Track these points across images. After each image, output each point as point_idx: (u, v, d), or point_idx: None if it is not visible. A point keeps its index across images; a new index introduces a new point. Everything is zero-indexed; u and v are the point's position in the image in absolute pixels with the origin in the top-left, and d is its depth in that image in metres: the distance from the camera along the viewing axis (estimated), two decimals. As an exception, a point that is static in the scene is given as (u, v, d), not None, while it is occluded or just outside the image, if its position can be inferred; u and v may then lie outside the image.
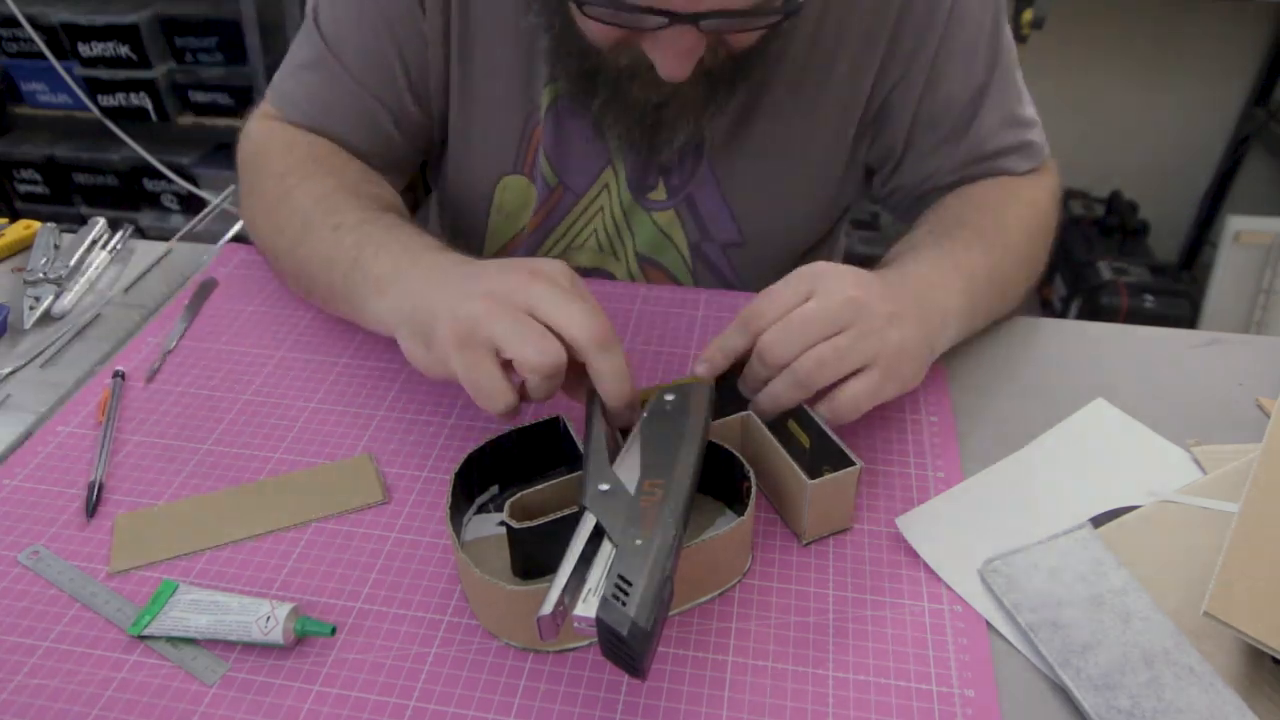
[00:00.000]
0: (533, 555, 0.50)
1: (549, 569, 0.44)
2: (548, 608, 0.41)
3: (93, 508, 0.55)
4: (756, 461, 0.54)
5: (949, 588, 0.51)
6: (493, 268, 0.53)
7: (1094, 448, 0.59)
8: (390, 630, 0.49)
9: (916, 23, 0.69)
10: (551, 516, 0.48)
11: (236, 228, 0.81)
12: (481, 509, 0.55)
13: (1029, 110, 0.76)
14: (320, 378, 0.66)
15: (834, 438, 0.53)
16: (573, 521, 0.45)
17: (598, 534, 0.44)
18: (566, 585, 0.42)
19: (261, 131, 0.74)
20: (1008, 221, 0.69)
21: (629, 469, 0.47)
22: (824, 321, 0.52)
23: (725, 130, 0.73)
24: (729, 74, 0.64)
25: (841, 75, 0.71)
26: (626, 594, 0.40)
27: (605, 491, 0.46)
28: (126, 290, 0.76)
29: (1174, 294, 1.86)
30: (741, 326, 0.54)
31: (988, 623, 0.49)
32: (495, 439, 0.54)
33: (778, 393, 0.53)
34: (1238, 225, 1.84)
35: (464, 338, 0.50)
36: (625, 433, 0.51)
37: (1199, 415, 0.62)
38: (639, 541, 0.43)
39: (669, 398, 0.51)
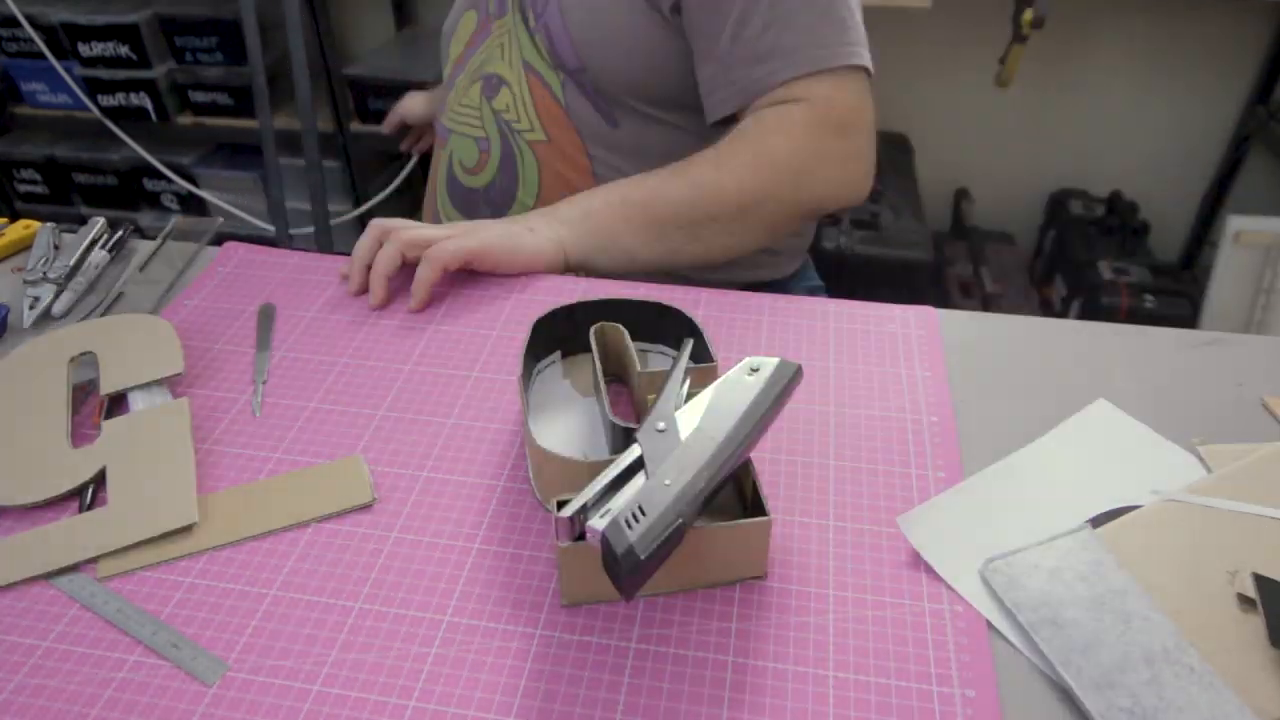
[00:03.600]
0: None
1: None
2: (568, 512, 0.46)
3: (87, 509, 0.55)
4: None
5: (949, 588, 0.51)
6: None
7: (1095, 448, 0.59)
8: (390, 630, 0.49)
9: None
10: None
11: (218, 225, 0.87)
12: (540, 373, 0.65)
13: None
14: (320, 378, 0.66)
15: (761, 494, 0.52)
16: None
17: (638, 465, 0.48)
18: (592, 499, 0.47)
19: None
20: (724, 179, 0.78)
21: (689, 418, 0.50)
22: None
23: None
24: None
25: None
26: (637, 522, 0.44)
27: (660, 430, 0.49)
28: (118, 299, 0.75)
29: (1174, 294, 1.86)
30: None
31: (988, 622, 0.49)
32: (562, 308, 0.64)
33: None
34: (1238, 225, 1.84)
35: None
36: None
37: (1199, 415, 0.62)
38: (668, 482, 0.46)
39: (754, 368, 0.53)
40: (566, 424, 0.61)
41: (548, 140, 0.87)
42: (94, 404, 0.63)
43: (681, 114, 0.86)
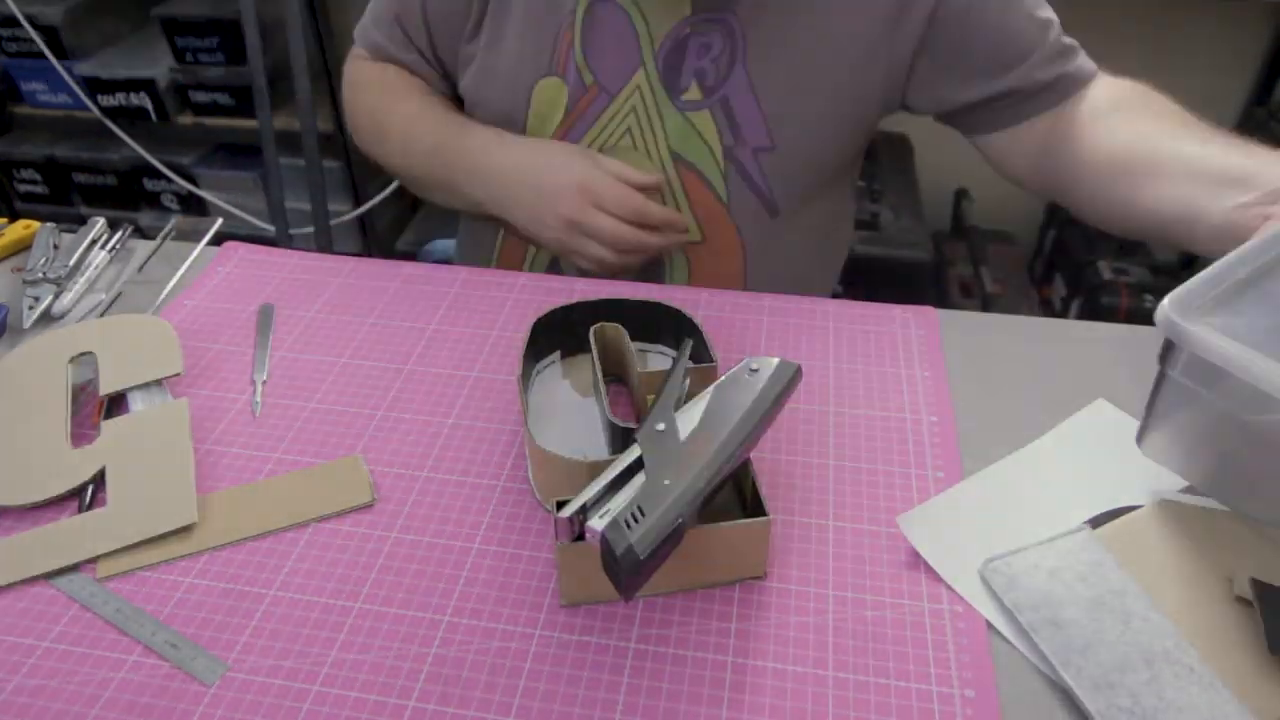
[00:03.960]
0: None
1: None
2: (567, 512, 0.46)
3: (86, 509, 0.55)
4: None
5: (949, 588, 0.51)
6: (552, 182, 0.76)
7: (1094, 448, 0.59)
8: (390, 630, 0.49)
9: None
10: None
11: (217, 225, 0.86)
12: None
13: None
14: (319, 378, 0.66)
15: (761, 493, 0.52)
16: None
17: (637, 465, 0.48)
18: (592, 499, 0.47)
19: (352, 69, 0.95)
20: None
21: (688, 418, 0.50)
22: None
23: (763, 31, 0.76)
24: None
25: None
26: (636, 522, 0.44)
27: (660, 430, 0.49)
28: (117, 298, 0.75)
29: (1174, 294, 1.86)
30: None
31: (988, 623, 0.49)
32: (561, 308, 0.64)
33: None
34: (1238, 225, 1.84)
35: (562, 248, 0.78)
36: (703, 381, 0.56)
37: (1199, 415, 0.62)
38: (667, 482, 0.46)
39: (754, 368, 0.53)
40: (566, 424, 0.61)
41: (702, 240, 0.81)
42: (94, 404, 0.63)
43: (838, 183, 0.85)
